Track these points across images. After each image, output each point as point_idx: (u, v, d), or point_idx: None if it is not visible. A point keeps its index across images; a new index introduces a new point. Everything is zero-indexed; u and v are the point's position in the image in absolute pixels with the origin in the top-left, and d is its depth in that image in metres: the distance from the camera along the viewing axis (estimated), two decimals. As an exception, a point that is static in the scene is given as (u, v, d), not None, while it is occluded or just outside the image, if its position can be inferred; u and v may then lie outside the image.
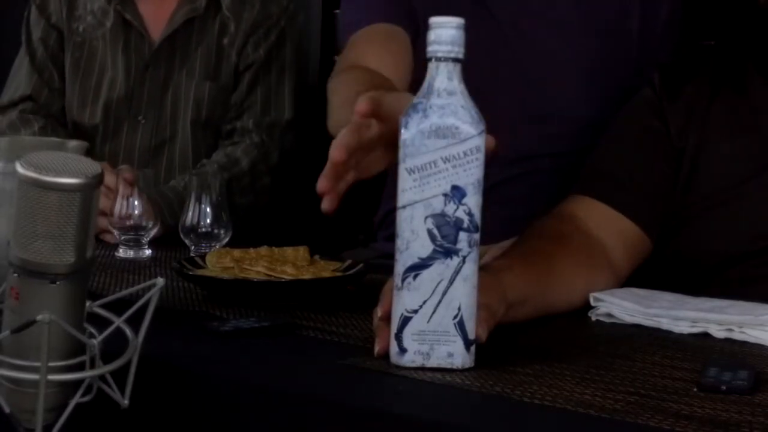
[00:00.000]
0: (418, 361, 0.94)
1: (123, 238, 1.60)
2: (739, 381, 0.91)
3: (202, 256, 1.35)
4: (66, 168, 0.79)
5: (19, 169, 0.78)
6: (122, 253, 1.59)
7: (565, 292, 1.23)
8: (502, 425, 0.84)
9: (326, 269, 1.32)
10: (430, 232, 0.93)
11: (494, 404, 0.87)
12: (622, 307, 1.20)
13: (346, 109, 1.10)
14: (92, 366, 0.82)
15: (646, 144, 1.40)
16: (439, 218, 0.93)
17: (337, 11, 1.86)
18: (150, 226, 1.60)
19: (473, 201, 0.93)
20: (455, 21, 0.94)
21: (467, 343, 0.94)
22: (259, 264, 1.28)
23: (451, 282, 0.93)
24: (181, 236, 1.58)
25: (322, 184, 0.96)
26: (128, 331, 0.85)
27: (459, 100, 0.93)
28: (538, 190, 1.60)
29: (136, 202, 1.60)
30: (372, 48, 1.50)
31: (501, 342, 1.01)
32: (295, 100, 2.06)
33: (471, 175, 0.92)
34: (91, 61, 2.04)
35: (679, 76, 1.44)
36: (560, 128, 1.61)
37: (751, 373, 0.93)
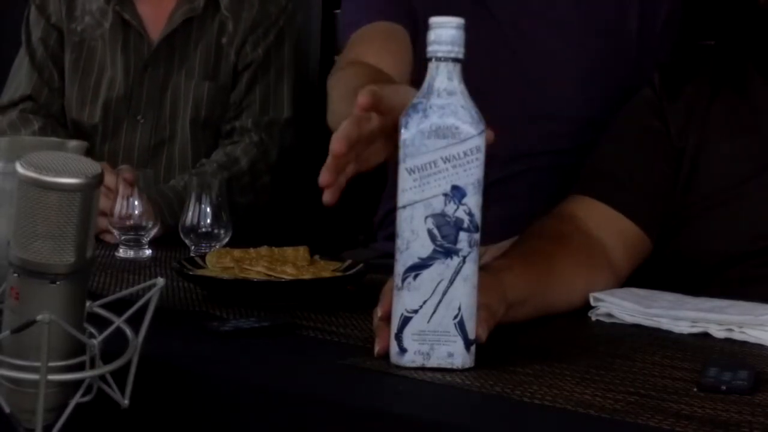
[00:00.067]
0: (418, 361, 0.94)
1: (123, 238, 1.60)
2: (739, 381, 0.91)
3: (202, 256, 1.35)
4: (66, 168, 0.79)
5: (19, 169, 0.78)
6: (122, 253, 1.59)
7: (565, 292, 1.23)
8: (502, 425, 0.84)
9: (326, 269, 1.32)
10: (430, 232, 0.93)
11: (494, 404, 0.87)
12: (622, 307, 1.20)
13: (346, 103, 1.11)
14: (92, 366, 0.82)
15: (646, 144, 1.40)
16: (439, 218, 0.93)
17: (337, 11, 1.86)
18: (150, 226, 1.60)
19: (473, 201, 0.93)
20: (455, 21, 0.94)
21: (467, 343, 0.94)
22: (259, 264, 1.28)
23: (452, 282, 0.93)
24: (181, 236, 1.58)
25: (324, 177, 0.96)
26: (128, 331, 0.85)
27: (459, 100, 0.93)
28: (538, 187, 1.60)
29: (136, 202, 1.60)
30: (372, 47, 1.50)
31: (501, 342, 1.01)
32: (294, 99, 2.06)
33: (471, 175, 0.92)
34: (90, 61, 2.04)
35: (679, 76, 1.44)
36: (560, 128, 1.61)
37: (751, 373, 0.93)
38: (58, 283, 0.80)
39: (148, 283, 0.85)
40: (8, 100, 2.08)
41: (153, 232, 1.61)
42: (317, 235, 1.83)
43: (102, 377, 0.83)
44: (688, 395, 0.89)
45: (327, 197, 0.97)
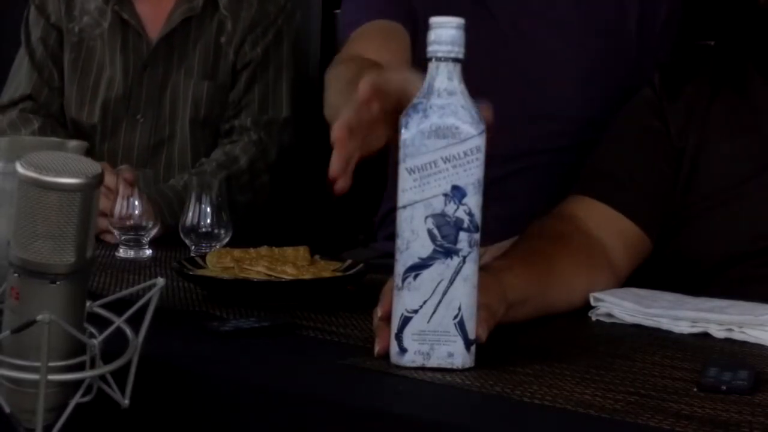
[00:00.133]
0: (419, 361, 0.94)
1: (123, 238, 1.60)
2: (739, 381, 0.91)
3: (203, 256, 1.35)
4: (66, 168, 0.79)
5: (20, 169, 0.78)
6: (122, 253, 1.59)
7: (565, 292, 1.23)
8: (502, 425, 0.84)
9: (326, 269, 1.32)
10: (430, 232, 0.93)
11: (494, 404, 0.87)
12: (622, 307, 1.20)
13: (344, 97, 1.11)
14: (92, 366, 0.82)
15: (646, 144, 1.40)
16: (440, 218, 0.93)
17: (337, 11, 1.86)
18: (150, 226, 1.60)
19: (473, 201, 0.93)
20: (455, 21, 0.94)
21: (467, 343, 0.94)
22: (260, 264, 1.28)
23: (452, 282, 0.93)
24: (182, 236, 1.58)
25: (333, 167, 0.96)
26: (128, 331, 0.84)
27: (459, 100, 0.93)
28: (538, 186, 1.60)
29: (136, 203, 1.60)
30: (371, 44, 1.50)
31: (501, 342, 1.01)
32: (293, 98, 2.06)
33: (471, 175, 0.92)
34: (89, 61, 2.05)
35: (679, 76, 1.44)
36: (560, 128, 1.61)
37: (751, 373, 0.93)
38: (58, 283, 0.80)
39: (148, 283, 0.85)
40: (8, 99, 2.09)
41: (153, 232, 1.61)
42: (317, 235, 1.83)
43: (102, 377, 0.83)
44: (688, 395, 0.89)
45: (339, 185, 0.97)
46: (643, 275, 1.36)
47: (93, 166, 0.80)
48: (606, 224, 1.34)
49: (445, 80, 0.94)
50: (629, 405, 0.86)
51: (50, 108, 2.08)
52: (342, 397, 0.89)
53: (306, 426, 0.88)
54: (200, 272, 1.29)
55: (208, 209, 1.57)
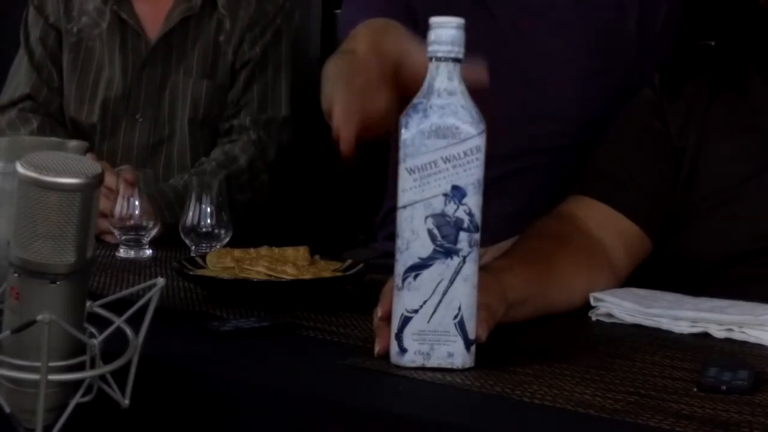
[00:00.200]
0: (419, 361, 0.94)
1: (123, 238, 1.60)
2: (739, 381, 0.91)
3: (203, 256, 1.35)
4: (66, 168, 0.79)
5: (20, 169, 0.78)
6: (123, 253, 1.59)
7: (565, 292, 1.23)
8: (502, 425, 0.84)
9: (326, 269, 1.31)
10: (430, 232, 0.93)
11: (494, 404, 0.87)
12: (622, 307, 1.20)
13: (341, 79, 1.11)
14: (92, 366, 0.82)
15: (646, 144, 1.40)
16: (440, 218, 0.93)
17: (338, 11, 1.86)
18: (150, 226, 1.60)
19: (473, 201, 0.93)
20: (455, 21, 0.94)
21: (467, 343, 0.94)
22: (260, 264, 1.28)
23: (452, 282, 0.93)
24: (182, 236, 1.58)
25: (345, 148, 0.97)
26: (128, 331, 0.84)
27: (459, 100, 0.93)
28: (537, 185, 1.60)
29: (136, 203, 1.60)
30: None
31: (501, 342, 1.01)
32: (292, 98, 2.07)
33: (471, 175, 0.92)
34: (88, 61, 2.05)
35: (679, 76, 1.44)
36: (560, 127, 1.61)
37: (751, 373, 0.93)
38: (58, 283, 0.80)
39: (149, 283, 0.85)
40: (8, 99, 2.09)
41: (153, 232, 1.61)
42: (317, 235, 1.83)
43: (102, 377, 0.83)
44: (688, 395, 0.89)
45: (344, 148, 0.98)
46: (643, 275, 1.36)
47: (93, 166, 0.80)
48: (606, 224, 1.34)
49: (445, 80, 0.94)
50: (629, 405, 0.86)
51: (49, 107, 2.08)
52: (342, 397, 0.89)
53: (306, 426, 0.88)
54: (200, 272, 1.29)
55: (209, 209, 1.57)
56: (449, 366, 0.94)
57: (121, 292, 0.89)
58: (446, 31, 0.94)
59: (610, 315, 1.20)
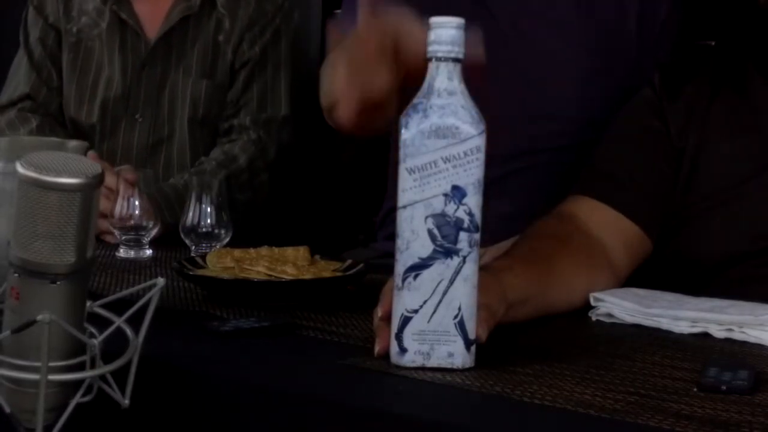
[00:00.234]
0: (419, 361, 0.94)
1: (123, 238, 1.60)
2: (739, 381, 0.91)
3: (203, 256, 1.35)
4: (66, 168, 0.79)
5: (20, 169, 0.78)
6: (123, 253, 1.59)
7: (565, 292, 1.23)
8: (502, 425, 0.84)
9: (326, 269, 1.32)
10: (430, 232, 0.93)
11: (494, 404, 0.87)
12: (622, 307, 1.20)
13: (342, 57, 1.12)
14: (92, 366, 0.82)
15: (646, 144, 1.40)
16: (440, 218, 0.93)
17: (338, 11, 1.86)
18: (150, 226, 1.60)
19: (473, 201, 0.93)
20: (455, 21, 0.94)
21: (467, 343, 0.94)
22: (260, 264, 1.28)
23: (452, 282, 0.93)
24: (182, 236, 1.58)
25: (344, 114, 0.98)
26: (128, 331, 0.84)
27: (459, 100, 0.93)
28: (537, 184, 1.60)
29: (136, 203, 1.60)
30: None
31: (501, 342, 1.01)
32: (291, 97, 2.07)
33: (471, 175, 0.92)
34: (87, 61, 2.05)
35: (679, 76, 1.44)
36: (560, 127, 1.61)
37: (751, 373, 0.93)
38: (58, 283, 0.80)
39: (149, 283, 0.85)
40: (7, 99, 2.09)
41: (153, 232, 1.61)
42: (317, 235, 1.83)
43: (102, 377, 0.83)
44: (688, 395, 0.89)
45: (342, 114, 0.98)
46: (643, 275, 1.36)
47: (93, 166, 0.80)
48: (606, 224, 1.34)
49: (445, 80, 0.94)
50: (629, 405, 0.86)
51: (49, 107, 2.08)
52: (342, 397, 0.89)
53: (306, 426, 0.88)
54: (200, 272, 1.29)
55: (209, 209, 1.57)
56: (449, 366, 0.94)
57: (121, 292, 0.89)
58: (446, 31, 0.94)
59: (610, 315, 1.20)
